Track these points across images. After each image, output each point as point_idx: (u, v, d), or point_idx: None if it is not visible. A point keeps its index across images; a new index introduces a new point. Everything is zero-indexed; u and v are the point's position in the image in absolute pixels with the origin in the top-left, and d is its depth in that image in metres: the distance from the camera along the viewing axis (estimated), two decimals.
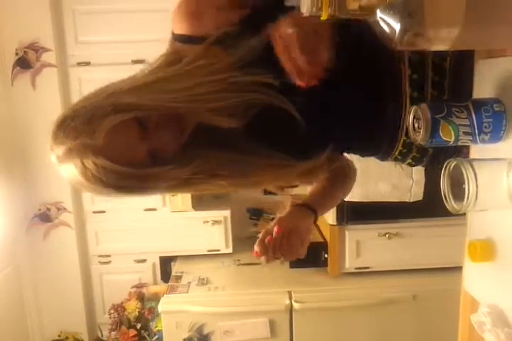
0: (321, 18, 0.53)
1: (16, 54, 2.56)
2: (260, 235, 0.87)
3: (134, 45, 2.58)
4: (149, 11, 2.55)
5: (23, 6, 2.50)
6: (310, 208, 0.97)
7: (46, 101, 2.60)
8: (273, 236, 0.85)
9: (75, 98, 2.62)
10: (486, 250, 0.75)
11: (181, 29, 0.84)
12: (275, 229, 0.86)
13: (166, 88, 0.79)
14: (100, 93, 0.79)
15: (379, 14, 0.57)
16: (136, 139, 0.74)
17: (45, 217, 2.73)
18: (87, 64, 2.63)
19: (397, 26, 0.55)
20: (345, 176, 1.12)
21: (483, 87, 0.77)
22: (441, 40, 0.51)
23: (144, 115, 0.75)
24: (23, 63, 2.58)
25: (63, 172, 0.77)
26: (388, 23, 0.56)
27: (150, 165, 0.75)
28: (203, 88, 0.79)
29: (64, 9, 2.55)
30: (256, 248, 0.85)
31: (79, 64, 2.63)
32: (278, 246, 0.85)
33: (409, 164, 1.02)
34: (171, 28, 0.85)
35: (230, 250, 2.75)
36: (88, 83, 2.63)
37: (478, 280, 0.81)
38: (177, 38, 0.87)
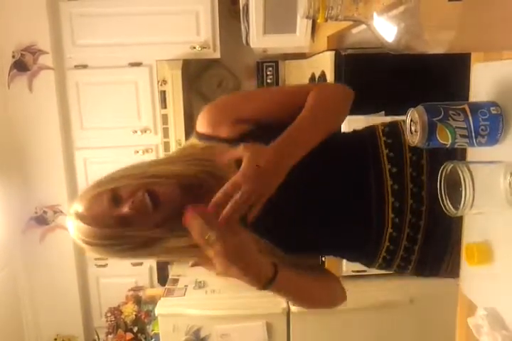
0: (318, 21, 0.53)
1: (13, 56, 2.57)
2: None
3: (131, 48, 2.59)
4: (146, 14, 2.56)
5: (20, 8, 2.50)
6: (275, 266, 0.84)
7: (43, 104, 2.60)
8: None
9: (72, 101, 2.64)
10: (483, 253, 0.75)
11: (202, 130, 1.02)
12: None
13: (154, 163, 1.01)
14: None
15: (376, 18, 0.57)
16: (108, 207, 0.88)
17: (41, 219, 2.72)
18: (84, 67, 2.63)
19: (394, 29, 0.55)
20: (331, 282, 1.04)
21: (480, 91, 0.77)
22: (438, 42, 0.51)
23: (117, 186, 0.89)
24: (20, 66, 2.58)
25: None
26: (385, 26, 0.56)
27: (117, 227, 0.87)
28: (179, 166, 0.95)
29: (61, 12, 2.55)
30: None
31: (76, 67, 2.63)
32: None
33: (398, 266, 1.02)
34: (196, 126, 1.05)
35: None
36: (85, 86, 2.63)
37: (475, 284, 0.81)
38: (197, 135, 1.04)
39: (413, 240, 0.95)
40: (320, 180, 0.94)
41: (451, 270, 0.95)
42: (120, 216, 0.87)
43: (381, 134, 0.99)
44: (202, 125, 1.01)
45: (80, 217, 0.89)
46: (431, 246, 0.96)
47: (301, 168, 0.85)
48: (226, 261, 0.77)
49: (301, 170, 0.85)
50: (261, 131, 0.97)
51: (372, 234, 0.96)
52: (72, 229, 0.90)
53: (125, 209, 0.87)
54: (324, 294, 1.00)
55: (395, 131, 0.99)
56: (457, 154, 0.85)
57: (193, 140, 1.04)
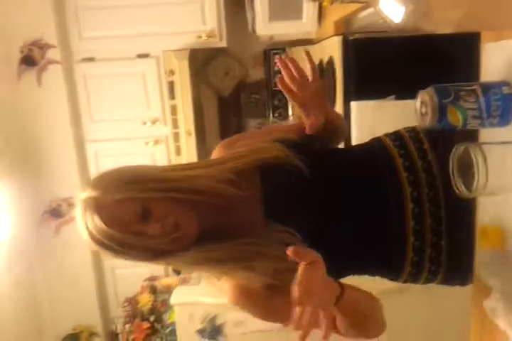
0: (324, 4, 0.52)
1: (21, 52, 2.57)
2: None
3: (137, 40, 2.58)
4: (151, 4, 2.55)
5: (26, 3, 2.50)
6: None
7: (52, 98, 2.61)
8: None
9: (81, 94, 2.65)
10: (496, 235, 0.74)
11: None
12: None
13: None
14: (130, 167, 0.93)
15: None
16: (133, 218, 0.84)
17: (56, 212, 2.75)
18: (92, 59, 2.63)
19: (401, 10, 0.54)
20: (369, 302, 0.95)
21: (491, 71, 0.76)
22: (447, 21, 0.50)
23: (150, 206, 0.85)
24: (28, 61, 2.59)
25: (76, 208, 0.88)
26: (392, 7, 0.55)
27: (137, 235, 0.84)
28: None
29: (67, 5, 2.55)
30: None
31: (83, 60, 2.63)
32: None
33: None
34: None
35: None
36: (93, 78, 2.64)
37: (489, 266, 0.80)
38: None
39: (437, 246, 0.94)
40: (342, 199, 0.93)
41: None
42: (143, 230, 0.85)
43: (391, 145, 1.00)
44: (218, 151, 1.04)
45: (102, 214, 0.83)
46: (457, 251, 0.94)
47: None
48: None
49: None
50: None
51: (394, 244, 0.95)
52: (88, 222, 0.84)
53: (151, 229, 0.84)
54: (376, 324, 0.95)
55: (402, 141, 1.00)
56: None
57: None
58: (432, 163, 0.95)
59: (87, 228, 0.85)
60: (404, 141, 0.99)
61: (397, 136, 1.02)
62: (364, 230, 0.93)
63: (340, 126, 1.11)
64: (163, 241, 0.85)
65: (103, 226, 0.83)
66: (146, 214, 0.85)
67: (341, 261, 0.89)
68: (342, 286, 0.81)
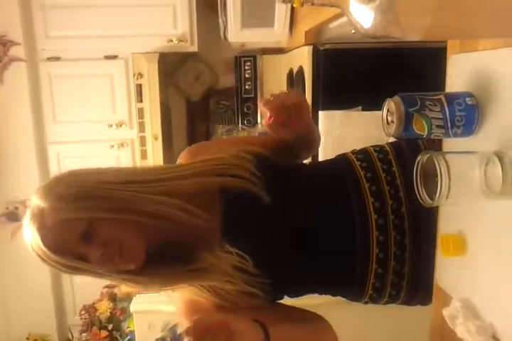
0: (294, 6, 0.52)
1: None
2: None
3: (106, 40, 2.54)
4: (123, 5, 2.51)
5: None
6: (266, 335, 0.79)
7: (15, 97, 2.53)
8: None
9: (45, 94, 2.57)
10: (457, 244, 0.75)
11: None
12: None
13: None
14: (86, 175, 0.89)
15: (352, 3, 0.56)
16: (76, 239, 0.82)
17: (12, 216, 2.65)
18: (58, 59, 2.57)
19: (370, 15, 0.54)
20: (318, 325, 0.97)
21: (456, 82, 0.77)
22: (414, 29, 0.50)
23: (96, 226, 0.82)
24: None
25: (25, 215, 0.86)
26: (362, 12, 0.55)
27: (75, 259, 0.83)
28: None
29: (33, 2, 2.47)
30: None
31: (49, 59, 2.56)
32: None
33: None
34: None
35: None
36: (58, 78, 2.57)
37: (450, 275, 0.81)
38: None
39: (401, 259, 0.92)
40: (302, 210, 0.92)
41: None
42: (85, 253, 0.82)
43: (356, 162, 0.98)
44: (184, 157, 1.03)
45: (42, 234, 0.81)
46: (421, 264, 0.92)
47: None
48: None
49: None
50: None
51: (358, 257, 0.92)
52: (30, 238, 0.83)
53: (93, 254, 0.82)
54: None
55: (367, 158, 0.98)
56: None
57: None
58: (396, 175, 0.94)
59: (30, 241, 0.83)
60: (371, 160, 0.97)
61: (365, 155, 0.99)
62: (326, 259, 0.91)
63: (317, 139, 1.09)
64: (107, 269, 0.84)
65: (42, 246, 0.81)
66: (90, 235, 0.82)
67: (299, 286, 0.90)
68: (266, 330, 0.76)
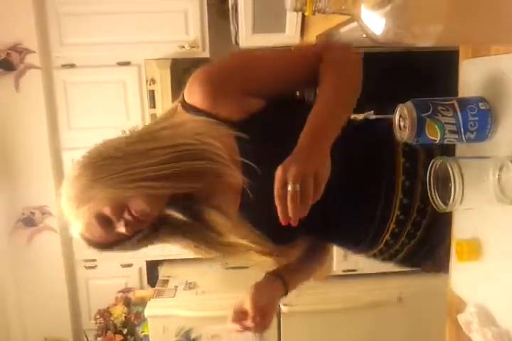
0: (306, 14, 0.52)
1: None
2: (232, 312, 0.99)
3: (119, 47, 2.56)
4: (135, 12, 2.54)
5: (6, 6, 2.46)
6: (284, 283, 1.02)
7: (30, 104, 2.56)
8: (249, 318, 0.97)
9: (60, 100, 2.61)
10: (472, 249, 0.74)
11: (199, 103, 0.85)
12: (250, 311, 0.97)
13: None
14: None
15: (364, 10, 0.56)
16: (104, 230, 0.90)
17: (29, 221, 2.68)
18: (72, 66, 2.60)
19: (382, 22, 0.54)
20: (324, 251, 1.15)
21: (468, 87, 0.77)
22: (426, 35, 0.50)
23: (98, 210, 0.88)
24: (6, 65, 2.54)
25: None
26: (373, 19, 0.56)
27: (122, 238, 0.92)
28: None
29: (48, 10, 2.52)
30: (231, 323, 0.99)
31: (63, 66, 2.60)
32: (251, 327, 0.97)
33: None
34: (184, 94, 0.88)
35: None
36: (73, 85, 2.60)
37: (464, 280, 0.80)
38: (189, 108, 0.88)
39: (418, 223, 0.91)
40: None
41: (439, 262, 0.94)
42: (119, 232, 0.90)
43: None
44: (196, 96, 0.84)
45: (85, 239, 0.93)
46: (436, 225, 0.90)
47: None
48: None
49: None
50: (272, 107, 0.85)
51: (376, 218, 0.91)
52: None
53: (121, 229, 0.89)
54: (324, 262, 1.16)
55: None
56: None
57: (178, 108, 0.91)
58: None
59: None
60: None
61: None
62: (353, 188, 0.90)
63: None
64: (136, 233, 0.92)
65: (97, 247, 0.95)
66: (108, 220, 0.89)
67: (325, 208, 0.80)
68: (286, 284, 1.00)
